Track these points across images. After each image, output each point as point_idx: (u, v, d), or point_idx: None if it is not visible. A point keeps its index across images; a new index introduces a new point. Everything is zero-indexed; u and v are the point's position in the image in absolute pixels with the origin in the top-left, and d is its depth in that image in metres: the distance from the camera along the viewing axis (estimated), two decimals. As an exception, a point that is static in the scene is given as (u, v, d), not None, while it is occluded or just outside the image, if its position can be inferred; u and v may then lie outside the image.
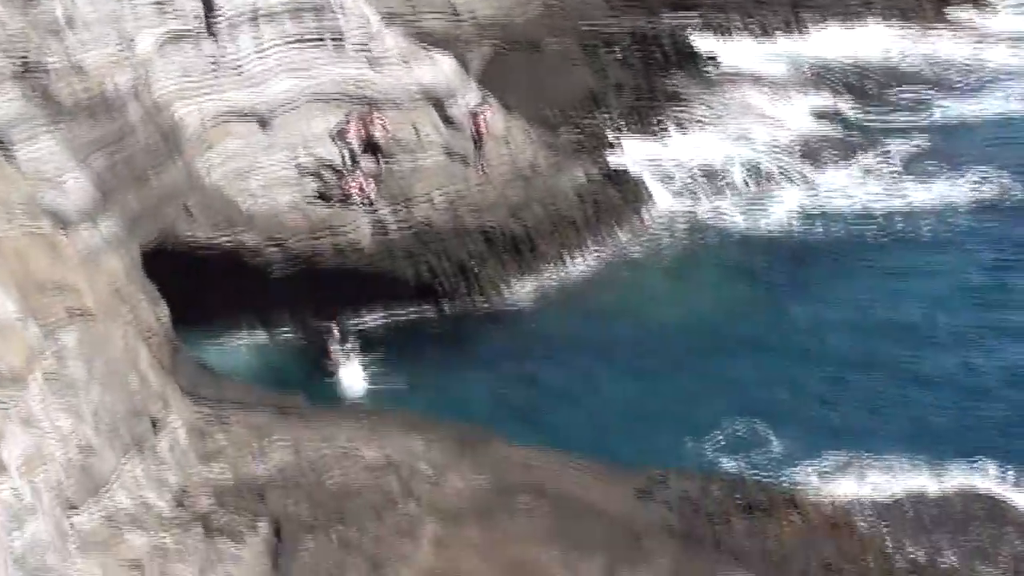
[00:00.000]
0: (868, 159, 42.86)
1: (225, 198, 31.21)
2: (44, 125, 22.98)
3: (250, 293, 30.66)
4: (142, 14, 29.88)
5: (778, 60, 50.42)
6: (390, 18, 38.33)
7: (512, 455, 22.41)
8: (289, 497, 19.23)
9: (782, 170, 41.89)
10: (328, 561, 17.66)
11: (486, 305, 33.31)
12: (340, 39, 34.20)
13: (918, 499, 23.35)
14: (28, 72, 25.52)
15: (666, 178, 40.53)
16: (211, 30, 31.71)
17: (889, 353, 30.00)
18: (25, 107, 24.89)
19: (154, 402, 20.04)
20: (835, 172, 42.01)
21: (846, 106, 47.57)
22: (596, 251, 36.10)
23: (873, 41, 52.80)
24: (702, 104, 46.64)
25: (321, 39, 34.00)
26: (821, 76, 49.52)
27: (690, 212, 38.80)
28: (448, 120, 35.95)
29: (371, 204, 33.28)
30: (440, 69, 36.13)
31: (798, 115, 46.55)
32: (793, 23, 53.24)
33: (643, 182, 39.27)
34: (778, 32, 52.59)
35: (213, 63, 31.85)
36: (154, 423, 19.76)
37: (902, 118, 46.92)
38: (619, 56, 47.89)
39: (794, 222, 38.26)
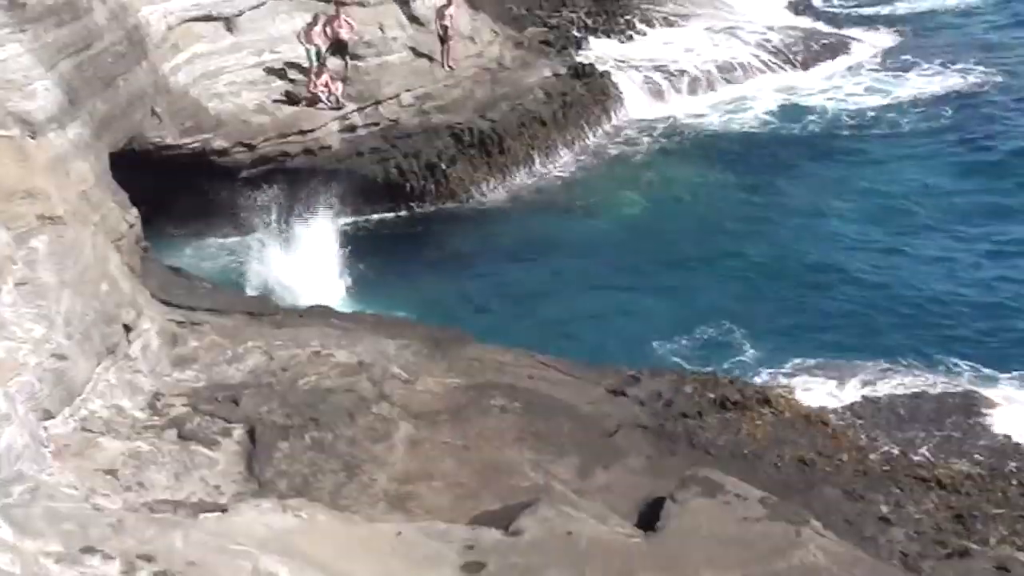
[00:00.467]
0: (843, 53, 42.83)
1: (192, 100, 30.95)
2: (10, 30, 22.61)
3: (219, 195, 30.52)
4: (105, -87, 29.37)
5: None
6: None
7: (484, 355, 22.38)
8: (263, 401, 19.20)
9: (755, 66, 41.76)
10: (303, 464, 17.69)
11: (457, 205, 33.26)
12: (304, -62, 33.82)
13: (892, 396, 23.54)
14: (-9, -24, 25.13)
15: (635, 77, 40.39)
16: (174, -71, 31.25)
17: (864, 254, 30.02)
18: (-10, 13, 24.53)
19: (126, 307, 19.92)
20: (810, 67, 41.95)
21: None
22: (567, 152, 36.05)
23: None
24: (671, 0, 46.42)
25: (285, -62, 33.62)
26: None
27: (661, 111, 38.72)
28: (413, 18, 35.78)
29: (338, 104, 33.08)
30: (405, -35, 35.79)
31: (771, 9, 46.38)
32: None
33: (611, 78, 39.13)
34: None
35: (176, -37, 31.41)
36: (126, 328, 19.66)
37: (870, 10, 46.95)
38: (586, -49, 47.40)
39: (769, 120, 38.22)
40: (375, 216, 32.61)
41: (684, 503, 16.40)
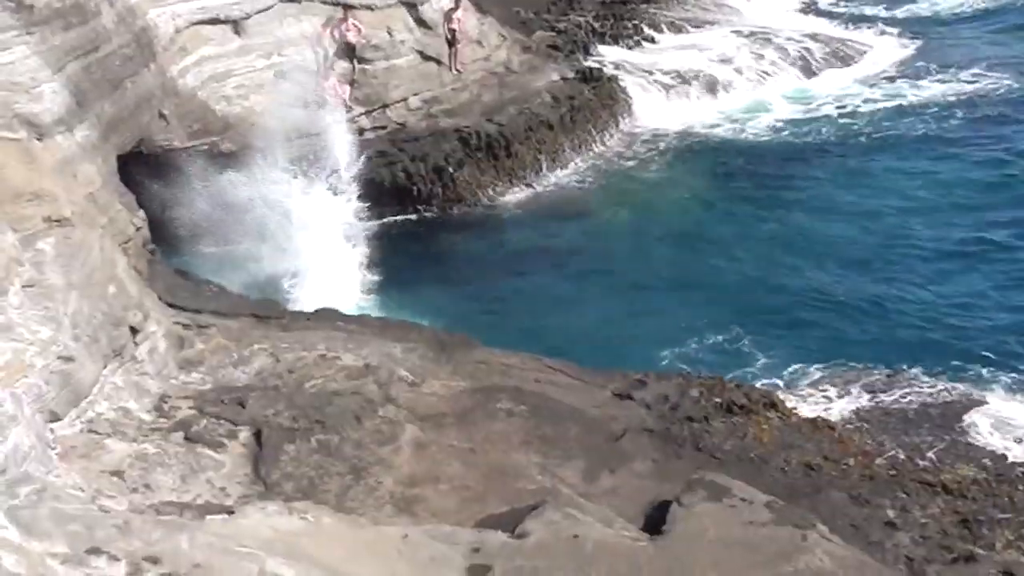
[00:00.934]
0: (854, 59, 42.80)
1: (200, 103, 30.98)
2: (18, 32, 22.62)
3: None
4: (112, -83, 29.40)
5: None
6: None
7: (491, 359, 22.39)
8: (269, 403, 19.23)
9: (766, 72, 41.72)
10: (309, 467, 17.70)
11: (464, 209, 33.25)
12: (312, -58, 33.81)
13: (898, 401, 23.51)
14: (-1, -22, 25.15)
15: (644, 81, 40.35)
16: (182, -67, 31.25)
17: (874, 262, 29.97)
18: (-2, 15, 24.56)
19: (132, 310, 19.97)
20: (822, 73, 41.89)
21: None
22: (575, 156, 36.02)
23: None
24: (679, 5, 46.39)
25: (293, -58, 33.60)
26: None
27: (671, 116, 38.67)
28: (421, 21, 35.76)
29: (346, 107, 33.11)
30: (413, -31, 35.79)
31: (780, 14, 46.32)
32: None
33: (619, 83, 39.12)
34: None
35: (184, -35, 31.42)
36: (133, 331, 19.71)
37: (886, 13, 46.90)
38: (594, -44, 47.43)
39: (780, 127, 38.15)
40: (382, 219, 32.60)
41: (690, 507, 16.40)
